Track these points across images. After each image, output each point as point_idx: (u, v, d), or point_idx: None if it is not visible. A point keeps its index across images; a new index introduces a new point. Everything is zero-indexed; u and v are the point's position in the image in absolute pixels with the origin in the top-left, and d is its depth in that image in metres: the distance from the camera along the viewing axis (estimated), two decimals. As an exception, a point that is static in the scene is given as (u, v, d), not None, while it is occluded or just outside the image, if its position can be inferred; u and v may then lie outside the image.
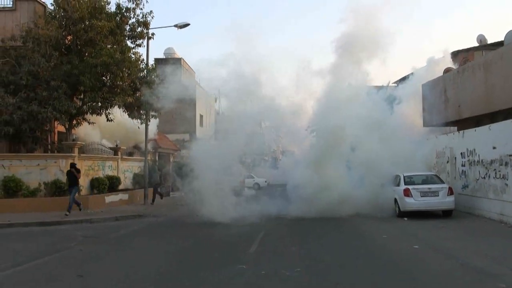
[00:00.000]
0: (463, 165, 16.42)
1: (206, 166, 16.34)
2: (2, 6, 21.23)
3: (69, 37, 20.35)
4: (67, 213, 16.17)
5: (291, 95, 19.18)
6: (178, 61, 36.76)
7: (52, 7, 20.46)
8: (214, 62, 17.55)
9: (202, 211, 15.84)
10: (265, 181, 34.35)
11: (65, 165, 18.61)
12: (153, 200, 21.76)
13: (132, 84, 20.34)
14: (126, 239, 12.32)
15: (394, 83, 31.96)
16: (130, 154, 26.41)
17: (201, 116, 39.15)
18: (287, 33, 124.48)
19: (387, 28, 19.10)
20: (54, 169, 18.60)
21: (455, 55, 25.58)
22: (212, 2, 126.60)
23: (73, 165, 17.09)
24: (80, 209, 17.07)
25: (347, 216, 15.35)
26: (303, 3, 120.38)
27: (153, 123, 24.08)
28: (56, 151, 19.97)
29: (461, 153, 16.55)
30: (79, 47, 20.26)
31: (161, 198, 22.61)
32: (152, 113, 21.69)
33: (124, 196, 21.19)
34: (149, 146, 24.51)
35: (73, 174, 16.73)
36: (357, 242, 10.92)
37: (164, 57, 38.45)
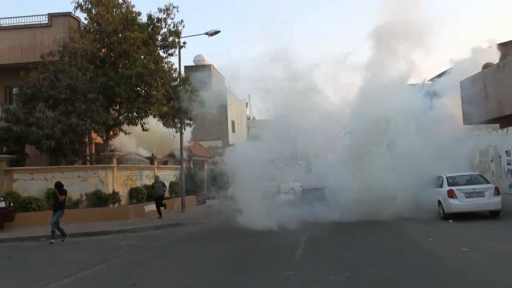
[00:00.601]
0: (508, 164, 16.13)
1: (241, 172, 16.55)
2: (39, 22, 22.25)
3: (103, 50, 21.16)
4: (52, 240, 14.06)
5: (326, 95, 19.11)
6: (208, 67, 37.44)
7: (86, 21, 21.32)
8: (255, 63, 17.74)
9: (240, 218, 16.11)
10: (300, 186, 34.43)
11: (104, 175, 19.35)
12: (159, 213, 19.70)
13: (166, 94, 20.91)
14: (170, 247, 12.73)
15: (429, 80, 31.46)
16: (165, 162, 27.08)
17: (233, 122, 39.64)
18: (306, 32, 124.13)
19: (425, 17, 18.65)
20: (94, 180, 19.35)
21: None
22: (239, 7, 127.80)
23: (58, 185, 14.76)
24: (63, 240, 14.41)
25: (389, 219, 15.30)
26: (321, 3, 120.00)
27: (187, 131, 24.64)
28: (95, 163, 20.71)
29: (506, 151, 16.27)
30: (113, 59, 21.05)
31: (160, 215, 19.64)
32: (187, 121, 22.20)
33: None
34: (184, 154, 25.05)
35: (56, 196, 14.61)
36: (403, 246, 10.96)
37: (194, 64, 39.21)
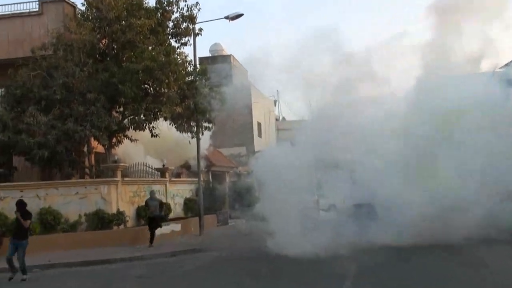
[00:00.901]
0: None
1: (271, 185, 16.49)
2: (28, 10, 22.62)
3: (104, 41, 21.38)
4: (24, 277, 13.05)
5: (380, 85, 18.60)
6: (227, 58, 37.49)
7: (83, 7, 21.63)
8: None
9: (271, 241, 15.89)
10: (343, 201, 33.84)
11: (107, 192, 19.45)
12: (151, 240, 18.65)
13: (179, 91, 20.98)
14: (190, 278, 12.70)
15: (501, 67, 30.61)
16: (178, 175, 27.12)
17: (259, 124, 39.53)
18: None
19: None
20: (95, 197, 19.44)
21: None
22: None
23: (20, 205, 13.49)
24: (11, 278, 13.14)
25: (460, 241, 14.79)
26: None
27: (205, 136, 24.65)
28: (95, 176, 20.86)
29: None
30: (115, 51, 21.27)
31: (151, 242, 18.62)
32: (205, 124, 22.21)
33: (176, 227, 21.74)
34: (201, 164, 25.01)
35: (19, 221, 13.34)
36: (482, 275, 10.66)
37: (210, 55, 39.32)
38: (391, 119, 17.92)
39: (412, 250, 14.39)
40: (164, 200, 23.20)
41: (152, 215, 19.16)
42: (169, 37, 21.91)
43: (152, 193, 20.23)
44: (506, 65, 29.73)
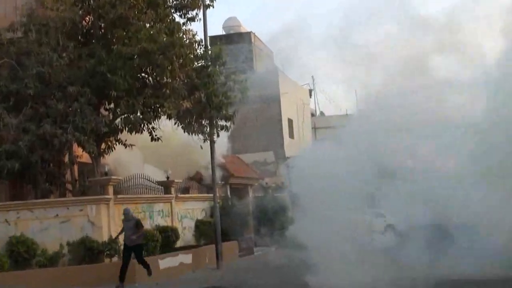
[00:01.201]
0: None
1: (310, 201, 16.48)
2: (-8, -17, 22.81)
3: (88, 18, 21.46)
4: None
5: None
6: (246, 37, 37.50)
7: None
8: None
9: (311, 276, 15.86)
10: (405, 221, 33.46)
11: (96, 213, 19.47)
12: (147, 269, 18.32)
13: (187, 81, 20.92)
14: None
15: None
16: (186, 189, 27.06)
17: (290, 122, 39.39)
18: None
19: None
20: (81, 220, 19.43)
21: None
22: None
23: None
24: None
25: None
26: None
27: (222, 138, 24.60)
28: (80, 193, 20.86)
29: None
30: (103, 30, 21.31)
31: (149, 273, 18.39)
32: (221, 122, 22.15)
33: (185, 258, 21.66)
34: (217, 175, 24.91)
35: None
36: None
37: (225, 32, 39.34)
38: (472, 108, 17.61)
39: (502, 284, 14.30)
40: (170, 223, 23.17)
41: (131, 242, 18.15)
42: (172, 11, 21.96)
43: (126, 211, 18.79)
44: None
